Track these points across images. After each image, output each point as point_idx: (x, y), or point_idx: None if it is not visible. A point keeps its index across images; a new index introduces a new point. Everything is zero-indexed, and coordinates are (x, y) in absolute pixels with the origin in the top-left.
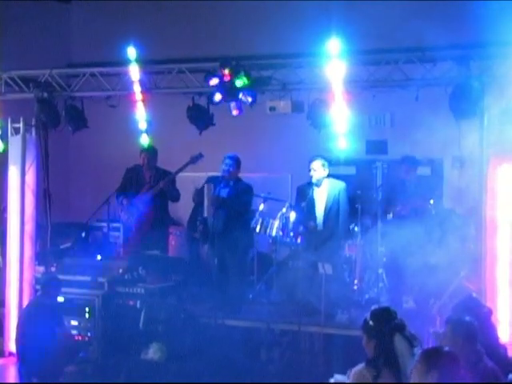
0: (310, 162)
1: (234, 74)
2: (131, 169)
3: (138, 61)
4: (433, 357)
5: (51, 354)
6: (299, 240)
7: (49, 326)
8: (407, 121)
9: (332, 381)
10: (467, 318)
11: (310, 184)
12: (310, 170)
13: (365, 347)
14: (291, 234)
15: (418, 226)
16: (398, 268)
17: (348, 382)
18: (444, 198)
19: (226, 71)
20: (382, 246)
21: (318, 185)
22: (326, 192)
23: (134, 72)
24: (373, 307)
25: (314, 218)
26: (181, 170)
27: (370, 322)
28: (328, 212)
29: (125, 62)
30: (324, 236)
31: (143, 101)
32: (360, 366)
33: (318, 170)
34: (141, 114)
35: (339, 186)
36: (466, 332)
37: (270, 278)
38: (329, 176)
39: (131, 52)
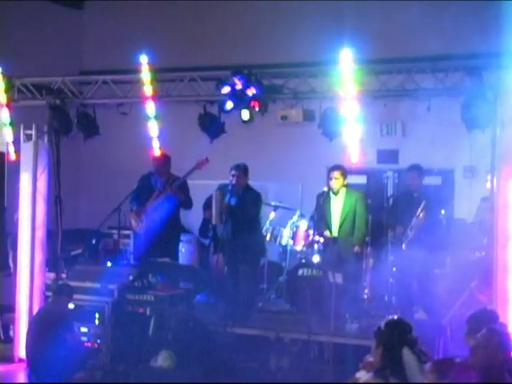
0: (331, 171)
1: (246, 82)
2: (145, 176)
3: (149, 69)
4: (444, 367)
5: (61, 361)
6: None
7: (59, 333)
8: (419, 130)
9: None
10: (501, 328)
11: (324, 193)
12: (330, 179)
13: (372, 352)
14: (302, 242)
15: (429, 237)
16: (408, 278)
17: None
18: (455, 208)
19: (238, 80)
20: (392, 256)
21: (335, 193)
22: (342, 201)
23: (146, 80)
24: (390, 316)
25: (330, 226)
26: (187, 175)
27: (383, 329)
28: (343, 220)
29: (137, 70)
30: (338, 244)
31: (155, 109)
32: (368, 375)
33: (339, 178)
34: (152, 122)
35: (356, 194)
36: (500, 341)
37: (279, 286)
38: (347, 185)
39: (143, 60)
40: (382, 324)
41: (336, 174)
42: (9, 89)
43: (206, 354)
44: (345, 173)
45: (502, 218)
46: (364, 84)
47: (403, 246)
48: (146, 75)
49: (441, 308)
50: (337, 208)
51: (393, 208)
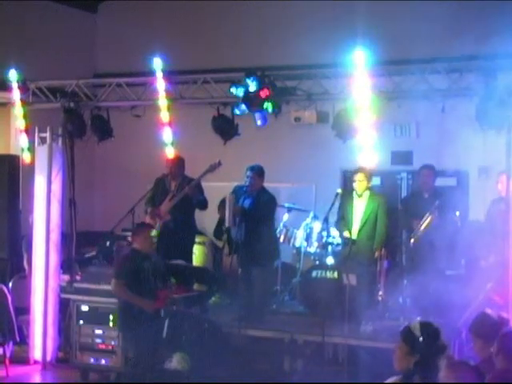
0: (354, 173)
1: (259, 84)
2: (159, 178)
3: (163, 71)
4: (458, 369)
5: None
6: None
7: None
8: (433, 131)
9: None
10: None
11: (347, 193)
12: (354, 181)
13: (399, 358)
14: (315, 244)
15: (443, 238)
16: (422, 279)
17: None
18: (470, 209)
19: (251, 81)
20: (406, 258)
21: (359, 195)
22: (365, 204)
23: (160, 82)
24: (420, 320)
25: (350, 227)
26: (200, 178)
27: (419, 336)
28: (364, 223)
29: (150, 72)
30: (356, 246)
31: (168, 111)
32: (395, 378)
33: (363, 181)
34: (166, 124)
35: (379, 198)
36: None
37: (293, 288)
38: (370, 188)
39: (157, 62)
40: (415, 329)
41: (360, 176)
42: (27, 114)
43: (220, 356)
44: (368, 175)
45: None
46: (378, 85)
47: (411, 242)
48: (159, 78)
49: (456, 310)
50: (359, 210)
51: (404, 208)
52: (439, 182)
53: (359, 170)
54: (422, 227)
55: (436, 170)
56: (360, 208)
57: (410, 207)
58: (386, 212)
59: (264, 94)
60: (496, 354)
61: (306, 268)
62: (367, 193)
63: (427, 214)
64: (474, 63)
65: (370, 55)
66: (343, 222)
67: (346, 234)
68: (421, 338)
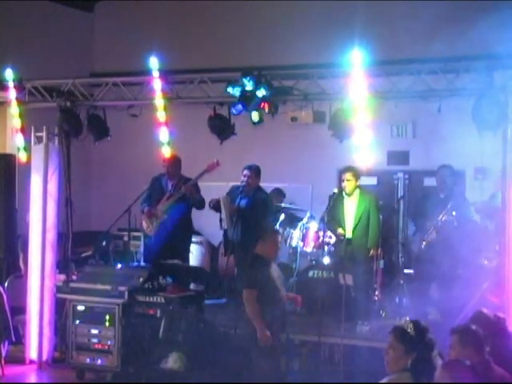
0: (343, 172)
1: (256, 84)
2: (156, 177)
3: (160, 70)
4: (454, 369)
5: None
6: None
7: None
8: (429, 131)
9: None
10: (473, 327)
11: (337, 193)
12: (342, 181)
13: (394, 359)
14: (312, 244)
15: (441, 238)
16: (419, 279)
17: None
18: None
19: (248, 81)
20: (403, 257)
21: (348, 195)
22: (356, 202)
23: (156, 82)
24: (409, 319)
25: (343, 227)
26: (197, 177)
27: (413, 334)
28: (358, 222)
29: (147, 72)
30: (351, 246)
31: (165, 110)
32: (393, 376)
33: (351, 180)
34: (162, 124)
35: (370, 197)
36: (473, 340)
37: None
38: (360, 187)
39: (153, 62)
40: (408, 327)
41: (348, 175)
42: (23, 114)
43: (216, 356)
44: (357, 174)
45: None
46: (374, 85)
47: (423, 245)
48: (156, 77)
49: (454, 309)
50: (351, 210)
51: (420, 208)
52: (433, 182)
53: (347, 169)
54: (435, 231)
55: (454, 170)
56: (351, 208)
57: (425, 208)
58: (377, 210)
59: (261, 93)
60: (460, 346)
61: (303, 268)
62: (357, 191)
63: (439, 217)
64: (470, 63)
65: (366, 55)
66: (334, 221)
67: (340, 230)
68: (414, 335)
